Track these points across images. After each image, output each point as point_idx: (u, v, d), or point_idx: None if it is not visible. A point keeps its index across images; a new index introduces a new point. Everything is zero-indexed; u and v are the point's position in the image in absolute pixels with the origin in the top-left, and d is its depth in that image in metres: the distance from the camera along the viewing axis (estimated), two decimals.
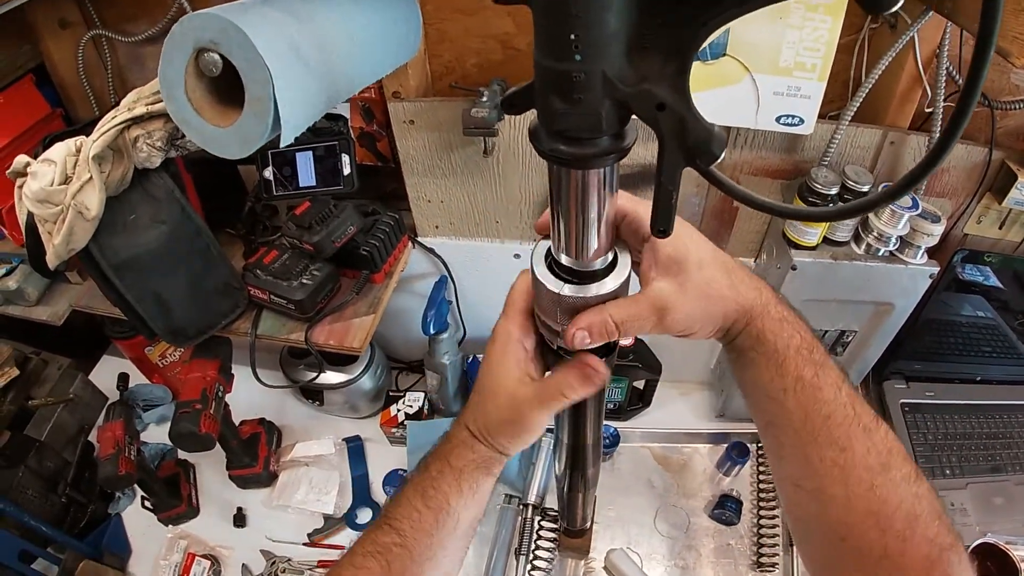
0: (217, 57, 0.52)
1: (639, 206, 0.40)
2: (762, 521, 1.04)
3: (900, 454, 0.39)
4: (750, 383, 0.42)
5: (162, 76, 0.55)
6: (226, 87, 0.55)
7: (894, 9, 0.25)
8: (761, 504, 1.06)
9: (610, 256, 0.39)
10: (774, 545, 1.02)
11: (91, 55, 0.99)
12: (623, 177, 0.90)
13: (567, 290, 0.38)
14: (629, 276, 0.40)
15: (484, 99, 0.81)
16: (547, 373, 0.45)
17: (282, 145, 0.58)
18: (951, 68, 0.83)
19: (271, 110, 0.53)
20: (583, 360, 0.41)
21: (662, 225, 0.34)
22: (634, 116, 0.30)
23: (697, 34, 0.27)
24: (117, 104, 0.72)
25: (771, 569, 1.01)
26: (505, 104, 0.34)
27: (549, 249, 0.40)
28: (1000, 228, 1.00)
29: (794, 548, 1.01)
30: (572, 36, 0.26)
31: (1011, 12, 0.58)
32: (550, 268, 0.40)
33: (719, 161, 0.30)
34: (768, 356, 0.39)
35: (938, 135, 0.85)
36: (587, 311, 0.39)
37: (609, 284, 0.38)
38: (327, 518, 1.05)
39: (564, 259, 0.39)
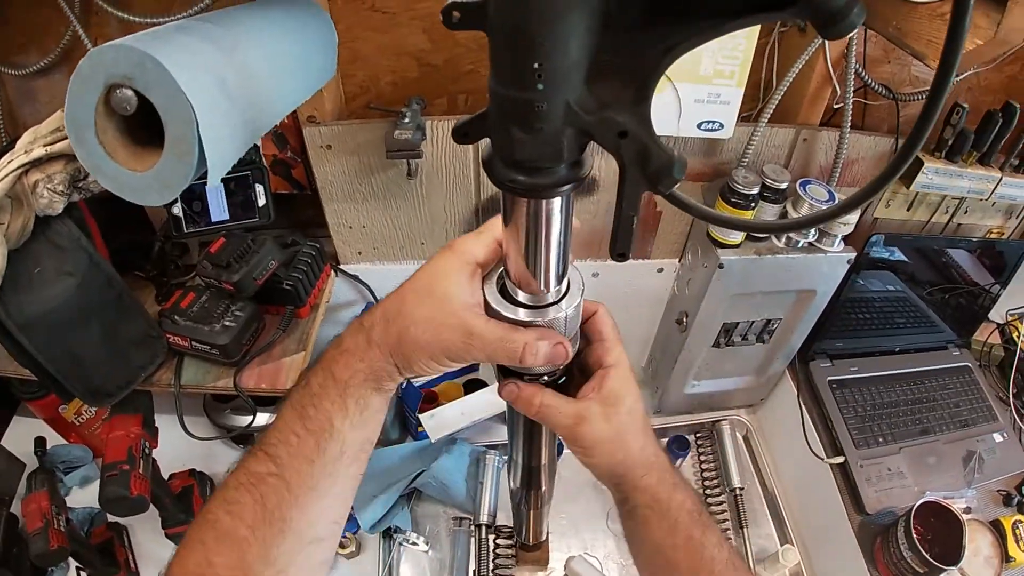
0: (131, 94, 0.46)
1: (617, 342, 0.44)
2: (711, 509, 1.07)
3: None
4: (642, 537, 0.45)
5: (69, 117, 0.48)
6: (141, 126, 0.49)
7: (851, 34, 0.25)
8: (707, 492, 1.10)
9: (563, 285, 0.39)
10: (726, 530, 1.06)
11: None
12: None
13: (523, 315, 0.38)
14: (582, 300, 0.40)
15: (407, 120, 0.78)
16: None
17: (210, 185, 0.54)
18: (858, 67, 0.86)
19: (195, 151, 0.48)
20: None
21: (621, 249, 0.34)
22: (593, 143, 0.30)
23: (660, 61, 0.27)
24: (11, 145, 0.64)
25: None
26: (457, 134, 0.33)
27: (501, 274, 0.39)
28: (908, 210, 1.06)
29: (745, 530, 1.06)
30: (536, 65, 0.25)
31: (926, 17, 0.61)
32: (500, 288, 0.39)
33: (676, 186, 0.30)
34: (662, 515, 0.43)
35: (850, 132, 0.89)
36: (526, 387, 0.42)
37: (565, 307, 0.38)
38: None
39: (521, 296, 0.38)
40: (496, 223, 0.40)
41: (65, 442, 1.14)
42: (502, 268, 0.40)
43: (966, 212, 1.07)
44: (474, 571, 0.97)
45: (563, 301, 0.39)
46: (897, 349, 1.16)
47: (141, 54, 0.45)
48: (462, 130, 0.33)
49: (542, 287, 0.37)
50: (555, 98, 0.27)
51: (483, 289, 0.39)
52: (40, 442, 1.06)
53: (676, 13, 0.25)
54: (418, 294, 0.38)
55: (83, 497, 1.09)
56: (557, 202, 0.33)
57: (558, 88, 0.26)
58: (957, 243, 1.08)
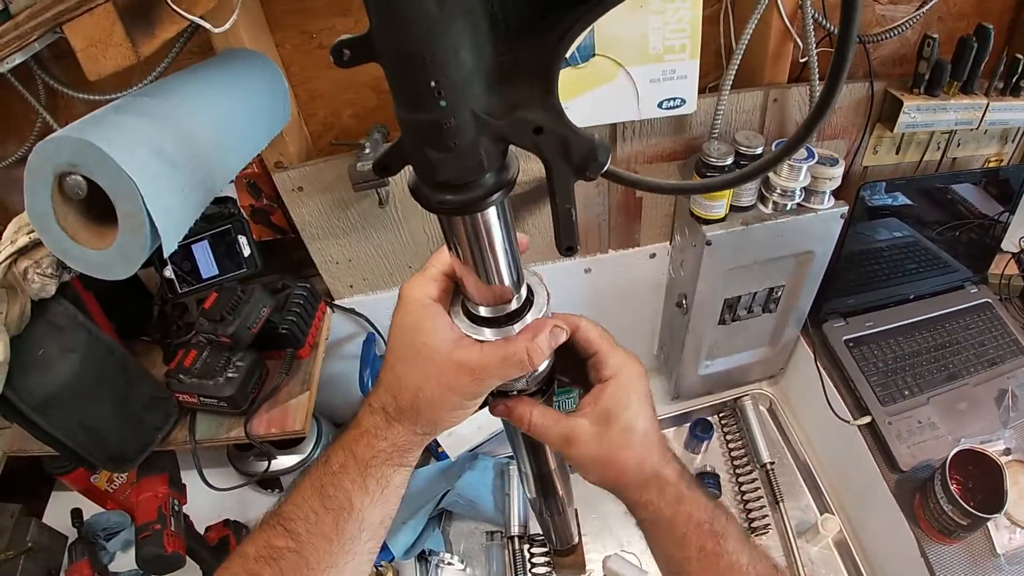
0: (80, 179, 0.49)
1: (610, 351, 0.43)
2: (743, 488, 1.05)
3: None
4: (655, 548, 0.45)
5: (29, 210, 0.51)
6: (99, 206, 0.52)
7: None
8: (737, 472, 1.07)
9: (523, 290, 0.39)
10: (761, 507, 1.03)
11: None
12: (523, 196, 0.89)
13: (489, 335, 0.38)
14: (548, 299, 0.40)
15: (367, 151, 0.79)
16: None
17: (166, 254, 0.55)
18: (816, 15, 0.84)
19: (146, 222, 0.51)
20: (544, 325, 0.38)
21: (567, 243, 0.34)
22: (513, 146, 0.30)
23: (556, 51, 0.27)
24: None
25: (764, 530, 1.02)
26: (377, 169, 0.33)
27: (461, 301, 0.39)
28: (897, 153, 1.03)
29: (781, 504, 1.03)
30: (432, 83, 0.25)
31: None
32: (467, 314, 0.39)
33: (604, 170, 0.30)
34: (667, 529, 0.42)
35: (820, 85, 0.87)
36: (517, 404, 0.42)
37: (530, 314, 0.38)
38: None
39: (482, 311, 0.38)
40: (437, 256, 0.40)
41: (103, 510, 1.17)
42: (461, 296, 0.40)
43: (959, 145, 1.04)
44: None
45: (529, 310, 0.39)
46: (912, 296, 1.12)
47: (79, 141, 0.47)
48: (382, 164, 0.33)
49: (502, 298, 0.37)
50: (461, 111, 0.26)
51: (450, 313, 0.39)
52: (76, 513, 1.09)
53: (560, 2, 0.25)
54: (406, 362, 0.38)
55: (127, 561, 1.11)
56: (492, 212, 0.32)
57: (461, 101, 0.26)
58: (956, 178, 1.05)
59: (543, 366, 0.42)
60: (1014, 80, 0.94)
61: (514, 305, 0.38)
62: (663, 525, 0.42)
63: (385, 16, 0.24)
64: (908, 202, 1.04)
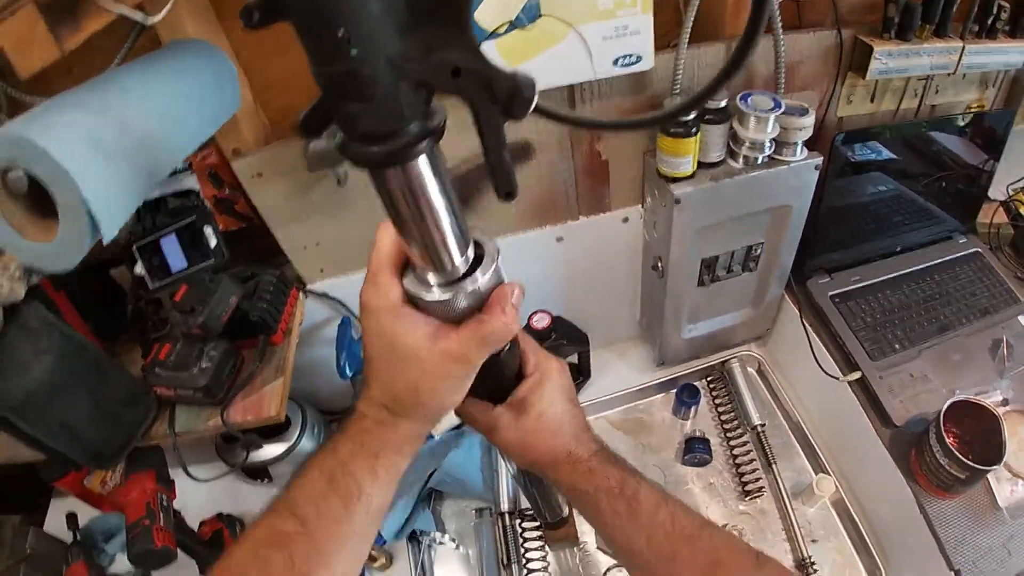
0: (21, 174, 0.50)
1: (531, 353, 0.48)
2: (735, 451, 1.04)
3: (732, 549, 0.44)
4: (589, 523, 0.49)
5: None
6: (43, 201, 0.52)
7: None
8: (728, 435, 1.06)
9: (471, 249, 0.38)
10: (754, 470, 1.02)
11: None
12: (475, 170, 0.87)
13: (441, 294, 0.37)
14: (500, 260, 0.39)
15: None
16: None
17: (105, 241, 0.56)
18: None
19: (85, 212, 0.51)
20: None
21: (505, 188, 0.33)
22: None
23: None
24: None
25: (759, 493, 1.00)
26: (302, 130, 0.32)
27: (408, 265, 0.39)
28: (872, 102, 1.00)
29: (774, 466, 1.01)
30: (340, 33, 0.25)
31: None
32: (422, 282, 0.38)
33: (534, 104, 0.30)
34: (583, 500, 0.47)
35: (784, 35, 0.85)
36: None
37: (482, 278, 0.38)
38: None
39: (433, 278, 0.37)
40: (376, 255, 0.39)
41: (100, 513, 1.18)
42: (411, 265, 0.39)
43: (936, 92, 1.01)
44: (501, 559, 0.95)
45: (478, 270, 0.38)
46: (898, 249, 1.09)
47: (16, 137, 0.48)
48: (305, 124, 0.32)
49: (450, 257, 0.36)
50: (375, 59, 0.26)
51: (403, 286, 0.38)
52: (71, 518, 1.10)
53: None
54: (393, 366, 0.39)
55: (127, 562, 1.12)
56: (423, 162, 0.31)
57: (374, 48, 0.26)
58: (935, 124, 1.02)
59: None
60: (990, 22, 0.91)
61: (463, 265, 0.37)
62: (579, 496, 0.47)
63: None
64: (889, 153, 1.01)
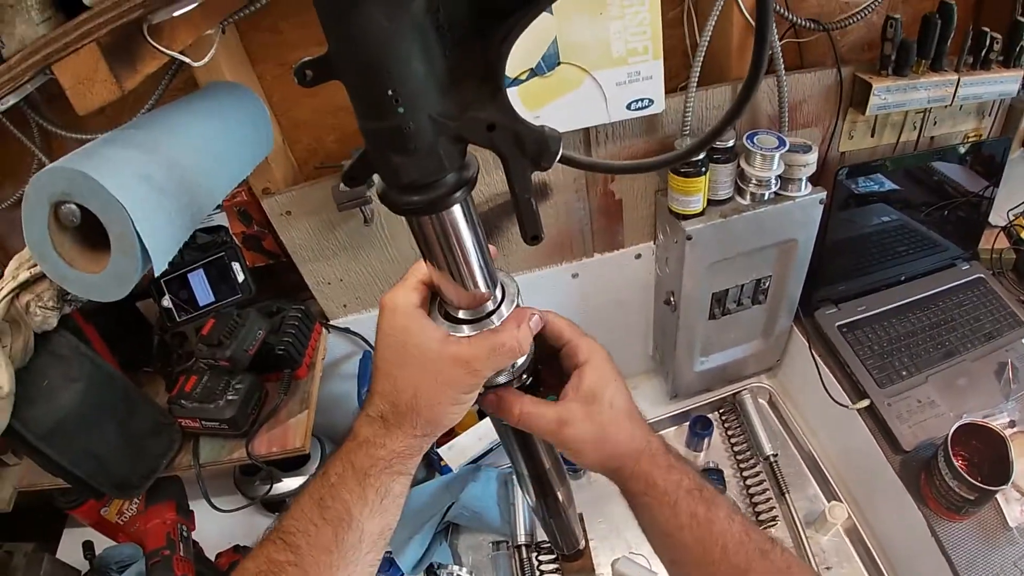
0: (74, 207, 0.53)
1: (580, 339, 0.45)
2: (748, 481, 1.05)
3: (802, 568, 0.42)
4: (649, 524, 0.45)
5: (28, 239, 0.56)
6: (92, 233, 0.55)
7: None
8: (741, 466, 1.07)
9: (499, 292, 0.41)
10: (767, 499, 1.03)
11: None
12: (497, 209, 0.91)
13: (469, 333, 0.39)
14: (519, 297, 0.42)
15: None
16: None
17: (156, 273, 0.59)
18: (778, 7, 0.86)
19: (136, 244, 0.54)
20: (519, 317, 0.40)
21: (532, 232, 0.36)
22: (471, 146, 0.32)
23: (500, 52, 0.29)
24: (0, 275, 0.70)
25: (773, 523, 1.01)
26: (346, 179, 0.35)
27: (439, 301, 0.41)
28: (872, 136, 1.04)
29: (787, 495, 1.02)
30: (390, 92, 0.27)
31: None
32: (447, 318, 0.41)
33: (558, 158, 0.32)
34: (660, 498, 0.43)
35: (786, 75, 0.89)
36: (505, 394, 0.43)
37: (506, 315, 0.40)
38: None
39: (461, 313, 0.40)
40: (415, 267, 0.42)
41: (114, 543, 1.18)
42: (438, 302, 0.41)
43: (935, 124, 1.04)
44: None
45: (503, 304, 0.41)
46: (903, 278, 1.12)
47: (72, 171, 0.51)
48: (349, 175, 0.35)
49: (478, 295, 0.39)
50: (418, 116, 0.29)
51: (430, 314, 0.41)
52: (88, 546, 1.10)
53: (498, 9, 0.28)
54: (399, 365, 0.39)
55: None
56: (458, 210, 0.34)
57: (418, 106, 0.28)
58: (934, 155, 1.05)
59: (522, 359, 0.43)
60: (983, 53, 0.95)
61: (491, 305, 0.40)
62: (656, 494, 0.43)
63: (341, 35, 0.27)
64: (891, 184, 1.04)
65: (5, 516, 0.96)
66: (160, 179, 0.57)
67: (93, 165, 0.52)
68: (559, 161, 0.35)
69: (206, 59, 0.67)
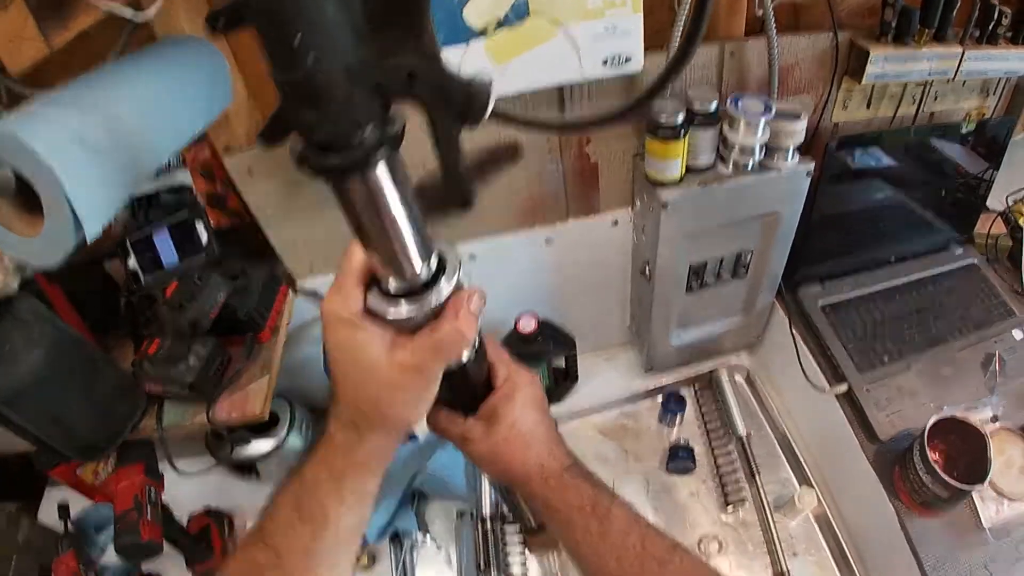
0: (8, 172, 0.51)
1: (500, 364, 0.48)
2: (719, 460, 1.03)
3: (704, 571, 0.44)
4: (556, 536, 0.48)
5: None
6: (30, 196, 0.54)
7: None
8: (713, 444, 1.05)
9: (434, 259, 0.38)
10: (737, 480, 1.01)
11: None
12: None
13: (406, 311, 0.37)
14: (460, 270, 0.39)
15: None
16: None
17: (89, 238, 0.57)
18: None
19: (67, 209, 0.52)
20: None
21: (460, 198, 0.33)
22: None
23: None
24: None
25: (741, 503, 1.00)
26: (263, 139, 0.33)
27: (373, 278, 0.38)
28: (868, 107, 0.99)
29: (757, 477, 1.01)
30: (297, 38, 0.25)
31: None
32: (385, 294, 0.38)
33: (488, 112, 0.30)
34: (554, 516, 0.46)
35: (778, 37, 0.84)
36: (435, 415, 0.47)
37: (445, 289, 0.38)
38: None
39: (393, 285, 0.37)
40: (345, 263, 0.39)
41: (92, 503, 1.19)
42: (373, 279, 0.39)
43: (936, 99, 0.99)
44: (480, 564, 0.95)
45: (442, 278, 0.38)
46: (892, 258, 1.08)
47: (3, 134, 0.49)
48: (266, 134, 0.32)
49: (412, 268, 0.36)
50: (331, 64, 0.26)
51: (366, 299, 0.38)
52: (62, 508, 1.11)
53: None
54: (354, 379, 0.39)
55: None
56: (383, 171, 0.31)
57: (330, 53, 0.26)
58: (932, 131, 1.00)
59: (466, 356, 0.43)
60: (991, 27, 0.90)
61: (425, 275, 0.37)
62: (551, 513, 0.46)
63: None
64: (886, 160, 1.00)
65: None
66: (96, 139, 0.55)
67: (23, 126, 0.50)
68: (494, 118, 0.32)
69: (151, 11, 0.63)
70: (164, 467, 0.98)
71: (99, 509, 1.20)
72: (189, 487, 1.06)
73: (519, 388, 0.47)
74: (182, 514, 1.07)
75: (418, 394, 0.40)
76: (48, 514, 1.21)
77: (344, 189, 0.32)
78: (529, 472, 0.46)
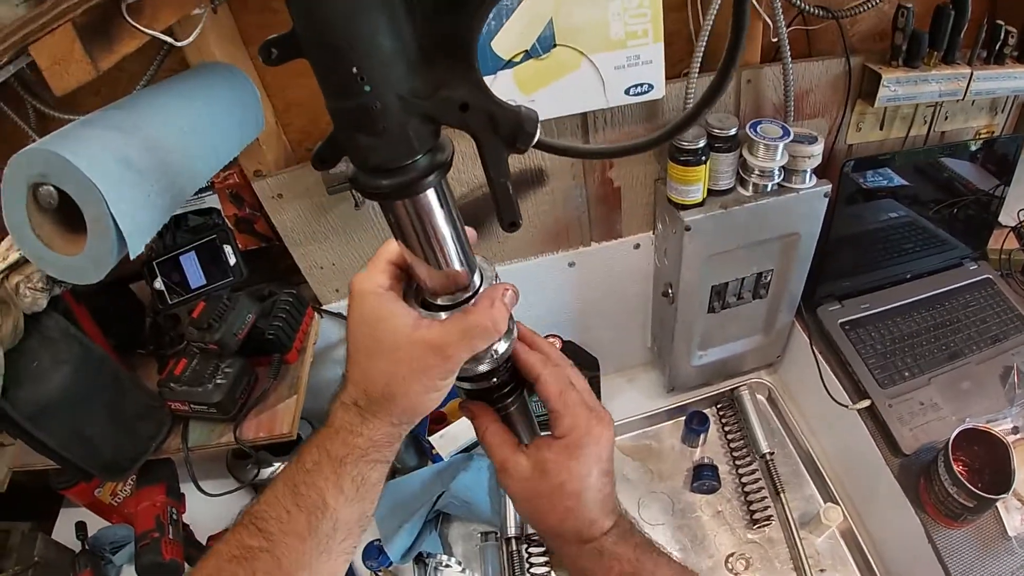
0: (51, 189, 0.52)
1: (562, 408, 0.42)
2: (743, 479, 1.03)
3: None
4: None
5: (7, 220, 0.55)
6: (72, 215, 0.55)
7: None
8: (737, 462, 1.05)
9: (477, 278, 0.39)
10: (763, 498, 1.01)
11: None
12: (477, 201, 0.89)
13: (444, 318, 0.38)
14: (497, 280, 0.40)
15: None
16: None
17: (132, 257, 0.58)
18: None
19: (111, 227, 0.53)
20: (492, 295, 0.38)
21: (509, 218, 0.34)
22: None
23: (471, 27, 0.28)
24: None
25: (767, 522, 0.99)
26: (315, 162, 0.34)
27: (416, 287, 0.40)
28: (881, 129, 1.01)
29: (782, 495, 1.01)
30: (355, 70, 0.26)
31: None
32: (423, 305, 0.39)
33: (536, 139, 0.31)
34: None
35: (792, 64, 0.86)
36: (479, 411, 0.44)
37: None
38: None
39: (441, 300, 0.38)
40: (383, 247, 0.40)
41: (109, 524, 1.19)
42: (414, 288, 0.40)
43: (946, 118, 1.02)
44: None
45: (481, 290, 0.39)
46: (908, 276, 1.09)
47: (47, 153, 0.51)
48: (319, 157, 0.34)
49: (453, 281, 0.38)
50: (386, 95, 0.27)
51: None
52: (80, 527, 1.11)
53: None
54: (370, 352, 0.38)
55: (133, 574, 1.12)
56: (432, 195, 0.33)
57: (385, 84, 0.27)
58: (943, 150, 1.02)
59: (503, 347, 0.41)
60: (997, 47, 0.92)
61: (469, 292, 0.38)
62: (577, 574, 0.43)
63: (304, 11, 0.26)
64: (899, 179, 1.02)
65: (2, 496, 0.96)
66: (139, 161, 0.56)
67: (70, 146, 0.51)
68: (538, 147, 0.33)
69: (190, 39, 0.65)
70: (189, 488, 0.98)
71: (115, 530, 1.19)
72: (210, 508, 1.05)
73: (583, 446, 0.41)
74: (201, 534, 1.06)
75: (433, 380, 0.37)
76: (62, 533, 1.21)
77: (394, 210, 0.33)
78: (564, 534, 0.42)
